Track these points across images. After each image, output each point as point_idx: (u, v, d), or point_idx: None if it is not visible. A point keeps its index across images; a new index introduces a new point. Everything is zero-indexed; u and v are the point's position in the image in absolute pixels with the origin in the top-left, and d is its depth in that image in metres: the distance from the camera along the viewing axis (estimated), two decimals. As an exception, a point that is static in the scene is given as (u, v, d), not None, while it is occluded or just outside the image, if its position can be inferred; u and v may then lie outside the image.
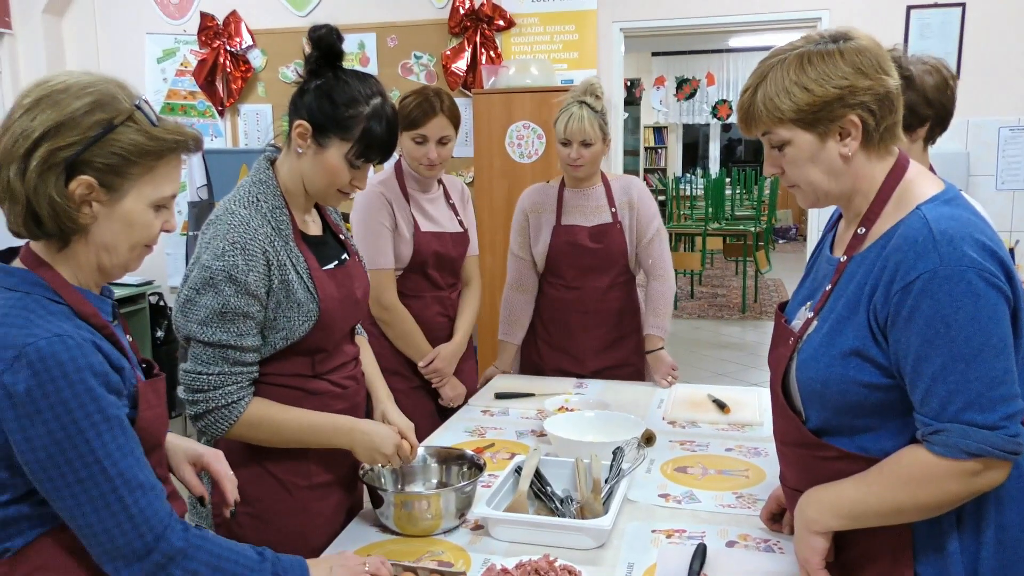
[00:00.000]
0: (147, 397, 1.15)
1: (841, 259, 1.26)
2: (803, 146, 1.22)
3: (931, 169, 1.66)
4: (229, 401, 1.51)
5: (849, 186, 1.24)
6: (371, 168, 1.67)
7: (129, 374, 1.12)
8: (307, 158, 1.58)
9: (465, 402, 2.44)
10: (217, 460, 1.37)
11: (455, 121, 2.37)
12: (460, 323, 2.52)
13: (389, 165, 2.40)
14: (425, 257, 2.38)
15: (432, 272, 2.42)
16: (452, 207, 2.51)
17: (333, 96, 1.54)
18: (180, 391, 1.53)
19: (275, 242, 1.54)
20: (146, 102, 1.13)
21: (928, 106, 1.69)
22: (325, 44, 1.55)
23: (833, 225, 1.39)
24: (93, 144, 1.05)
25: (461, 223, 2.51)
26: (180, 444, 1.36)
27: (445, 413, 2.38)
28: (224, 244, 1.49)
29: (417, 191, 2.42)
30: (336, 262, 1.68)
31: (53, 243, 1.09)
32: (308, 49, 1.57)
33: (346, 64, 1.60)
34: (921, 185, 1.22)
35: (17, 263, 1.11)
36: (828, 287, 1.27)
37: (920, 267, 1.11)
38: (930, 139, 1.75)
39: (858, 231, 1.25)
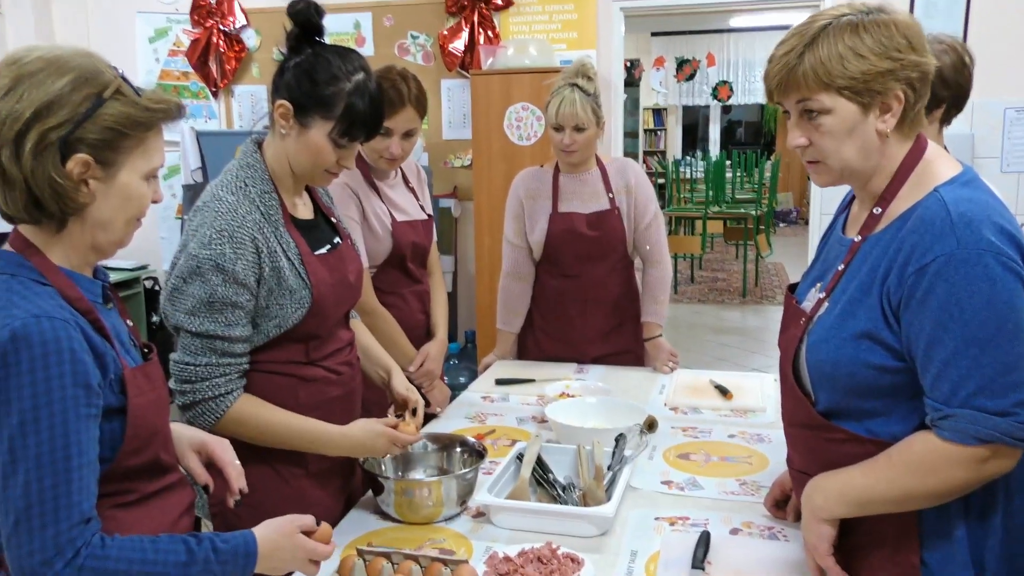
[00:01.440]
0: (137, 383, 1.12)
1: (855, 239, 1.24)
2: (845, 117, 1.17)
3: (945, 150, 1.63)
4: (217, 393, 1.48)
5: (874, 165, 1.21)
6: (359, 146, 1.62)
7: (112, 360, 1.09)
8: (291, 139, 1.54)
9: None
10: (222, 449, 1.34)
11: (423, 111, 2.15)
12: (438, 318, 2.40)
13: None
14: (404, 251, 2.25)
15: (410, 265, 2.30)
16: (412, 191, 2.37)
17: (313, 74, 1.50)
18: (170, 381, 1.51)
19: (264, 228, 1.51)
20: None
21: (945, 87, 1.66)
22: (303, 19, 1.51)
23: (846, 207, 1.37)
24: (85, 120, 1.03)
25: (423, 208, 2.38)
26: (185, 432, 1.34)
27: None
28: (211, 232, 1.45)
29: (379, 179, 2.26)
30: (328, 246, 1.65)
31: (50, 226, 1.07)
32: (288, 26, 1.53)
33: (341, 44, 1.56)
34: (939, 167, 1.19)
35: (6, 247, 1.09)
36: (840, 267, 1.24)
37: (937, 249, 1.09)
38: (945, 120, 1.72)
39: (874, 211, 1.22)
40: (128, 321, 1.21)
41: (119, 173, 1.08)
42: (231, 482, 1.32)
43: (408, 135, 2.16)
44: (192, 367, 1.47)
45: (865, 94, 1.15)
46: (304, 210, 1.65)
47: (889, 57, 1.13)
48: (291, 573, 1.24)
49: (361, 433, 1.58)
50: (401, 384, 1.77)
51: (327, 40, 1.57)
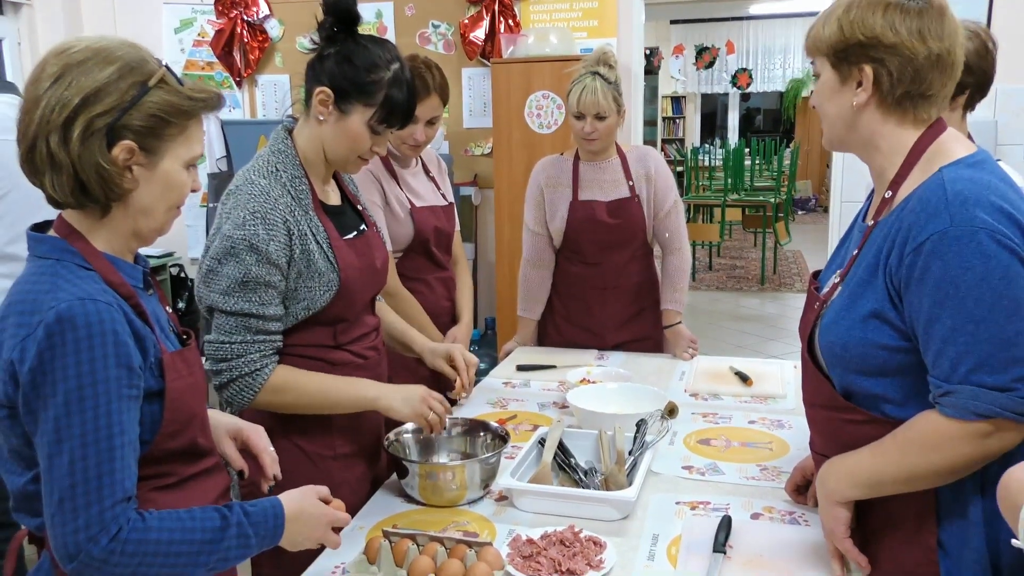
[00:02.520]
0: (175, 367, 1.15)
1: (869, 224, 1.26)
2: (826, 81, 1.26)
3: (969, 137, 1.63)
4: (253, 369, 1.51)
5: (861, 139, 1.25)
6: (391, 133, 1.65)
7: (152, 344, 1.12)
8: (328, 125, 1.57)
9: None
10: (257, 435, 1.37)
11: (445, 99, 2.23)
12: (463, 304, 2.46)
13: None
14: (427, 235, 2.29)
15: (434, 250, 2.34)
16: (432, 180, 2.41)
17: (355, 62, 1.53)
18: (205, 362, 1.54)
19: (295, 212, 1.55)
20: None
21: (968, 73, 1.65)
22: (341, 8, 1.54)
23: (870, 194, 1.38)
24: (131, 108, 1.06)
25: (444, 196, 2.42)
26: (221, 419, 1.37)
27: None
28: (245, 214, 1.49)
29: (399, 167, 2.31)
30: (355, 232, 1.68)
31: (94, 212, 1.10)
32: (321, 15, 1.55)
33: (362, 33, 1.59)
34: (950, 149, 1.20)
35: (51, 233, 1.12)
36: (855, 252, 1.26)
37: (930, 228, 1.10)
38: (969, 106, 1.72)
39: (885, 195, 1.24)
40: (167, 307, 1.25)
41: (162, 160, 1.10)
42: (265, 468, 1.35)
43: (431, 122, 2.22)
44: (228, 345, 1.50)
45: (841, 64, 1.22)
46: (332, 196, 1.68)
47: (863, 33, 1.19)
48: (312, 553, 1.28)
49: (395, 387, 1.63)
50: (427, 353, 1.82)
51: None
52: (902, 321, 1.16)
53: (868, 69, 1.19)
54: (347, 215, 1.70)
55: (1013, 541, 0.85)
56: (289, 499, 1.21)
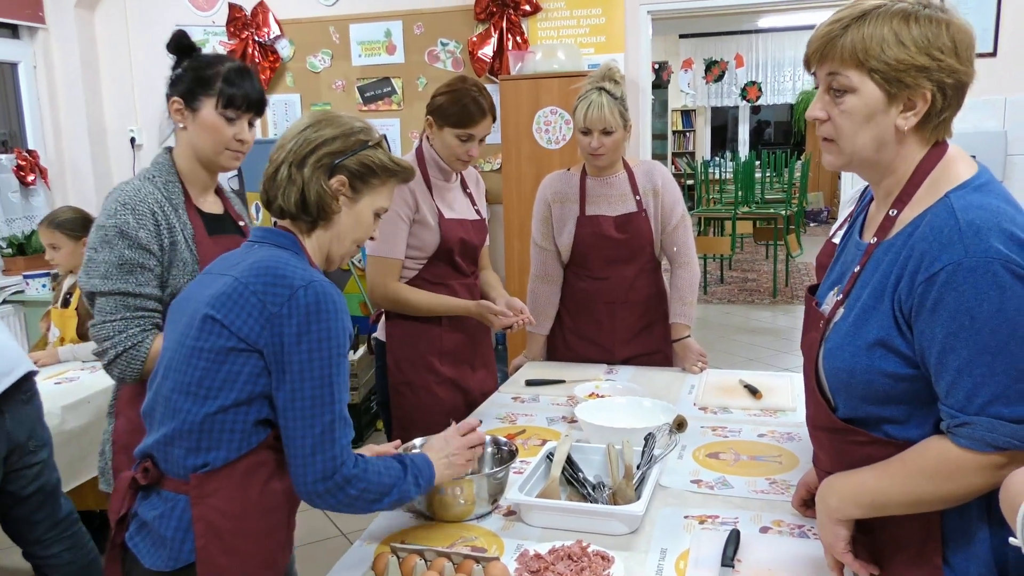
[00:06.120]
0: None
1: (870, 242, 1.24)
2: (868, 101, 1.15)
3: None
4: (134, 343, 1.65)
5: (888, 161, 1.20)
6: (250, 121, 1.82)
7: None
8: (189, 127, 1.76)
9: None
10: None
11: (495, 119, 2.39)
12: (496, 294, 2.51)
13: (410, 154, 2.39)
14: (451, 245, 2.36)
15: (458, 259, 2.41)
16: (469, 196, 2.49)
17: (192, 67, 1.75)
18: (91, 349, 1.72)
19: (164, 207, 1.73)
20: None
21: None
22: (175, 46, 1.77)
23: (864, 208, 1.37)
24: (352, 154, 1.42)
25: (479, 212, 2.50)
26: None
27: (473, 407, 2.32)
28: (116, 205, 1.69)
29: (439, 180, 2.39)
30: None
31: (304, 225, 1.42)
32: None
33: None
34: (955, 168, 1.18)
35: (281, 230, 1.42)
36: (856, 269, 1.24)
37: (944, 258, 1.08)
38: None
39: (890, 213, 1.22)
40: None
41: (361, 200, 1.45)
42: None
43: (482, 140, 2.36)
44: (109, 323, 1.65)
45: (894, 83, 1.13)
46: (214, 206, 1.88)
47: (928, 54, 1.12)
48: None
49: None
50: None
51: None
52: (910, 349, 1.14)
53: (928, 91, 1.13)
54: (225, 224, 1.88)
55: (1012, 540, 0.85)
56: (430, 449, 1.53)
